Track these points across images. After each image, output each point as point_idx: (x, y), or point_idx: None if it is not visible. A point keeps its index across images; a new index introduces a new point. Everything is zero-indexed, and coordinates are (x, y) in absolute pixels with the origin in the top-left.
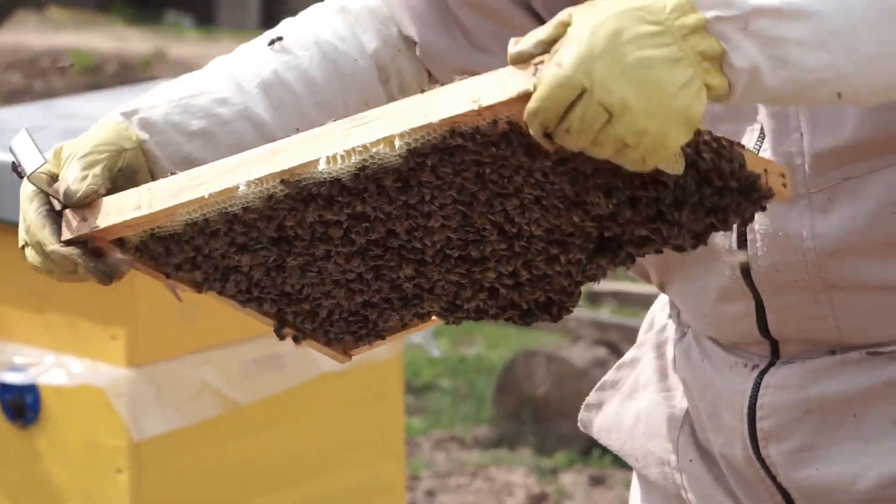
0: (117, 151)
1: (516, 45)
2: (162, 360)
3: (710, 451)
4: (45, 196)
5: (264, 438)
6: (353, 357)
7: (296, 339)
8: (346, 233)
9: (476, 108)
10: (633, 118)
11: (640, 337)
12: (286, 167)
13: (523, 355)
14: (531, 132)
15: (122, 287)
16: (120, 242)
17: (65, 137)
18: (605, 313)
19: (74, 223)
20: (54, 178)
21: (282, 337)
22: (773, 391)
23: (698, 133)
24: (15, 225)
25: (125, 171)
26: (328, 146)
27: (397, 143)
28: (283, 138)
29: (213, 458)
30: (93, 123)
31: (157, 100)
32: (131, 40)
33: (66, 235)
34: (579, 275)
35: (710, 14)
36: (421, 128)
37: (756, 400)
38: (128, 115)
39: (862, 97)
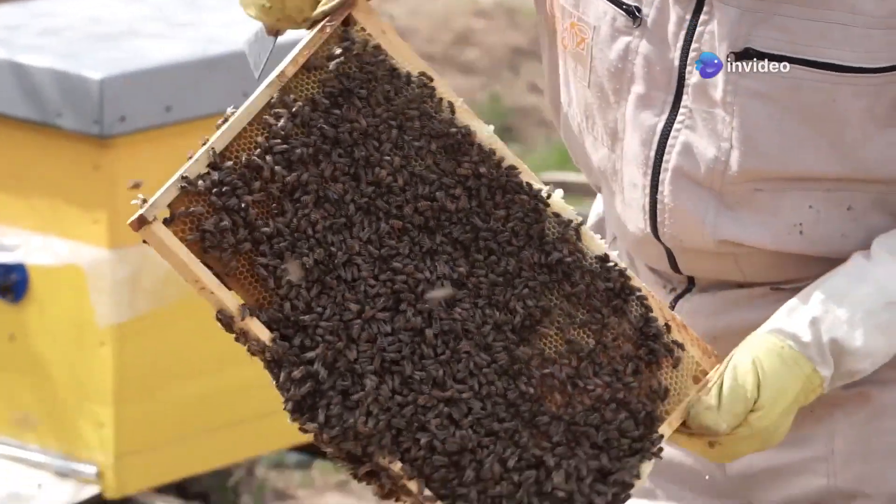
0: None
1: None
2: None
3: None
4: None
5: None
6: None
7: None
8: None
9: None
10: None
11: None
12: None
13: None
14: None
15: (103, 171)
16: (346, 23)
17: (42, 36)
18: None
19: None
20: None
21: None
22: (684, 317)
23: None
24: (4, 117)
25: None
26: None
27: None
28: None
29: (189, 334)
30: (71, 22)
31: None
32: None
33: None
34: None
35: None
36: None
37: None
38: None
39: None
